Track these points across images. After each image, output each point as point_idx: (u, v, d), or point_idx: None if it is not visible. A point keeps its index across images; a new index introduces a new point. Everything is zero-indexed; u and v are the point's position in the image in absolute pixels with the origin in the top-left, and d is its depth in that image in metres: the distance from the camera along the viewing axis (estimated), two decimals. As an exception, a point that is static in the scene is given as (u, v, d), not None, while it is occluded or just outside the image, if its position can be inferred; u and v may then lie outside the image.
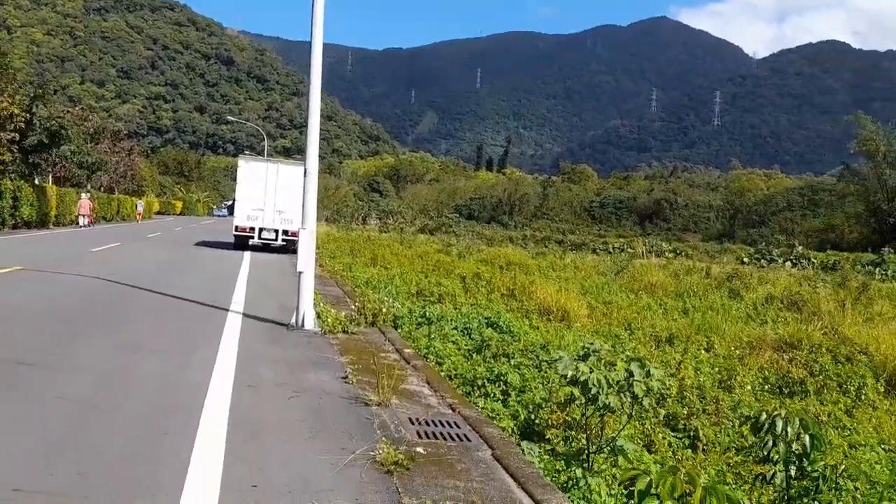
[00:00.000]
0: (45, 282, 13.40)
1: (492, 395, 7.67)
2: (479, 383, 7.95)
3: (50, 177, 44.20)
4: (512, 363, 8.95)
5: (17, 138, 30.42)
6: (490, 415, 6.87)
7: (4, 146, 28.51)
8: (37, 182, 39.09)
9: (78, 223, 41.73)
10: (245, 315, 10.92)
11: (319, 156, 10.66)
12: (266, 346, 8.81)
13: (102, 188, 60.54)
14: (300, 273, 10.08)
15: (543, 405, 7.03)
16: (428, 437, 5.61)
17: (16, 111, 28.57)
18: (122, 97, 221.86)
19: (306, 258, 10.11)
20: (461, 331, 11.06)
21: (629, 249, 48.96)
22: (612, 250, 49.81)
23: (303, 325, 10.10)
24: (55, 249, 22.98)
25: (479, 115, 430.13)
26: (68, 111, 50.64)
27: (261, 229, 27.34)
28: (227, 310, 11.31)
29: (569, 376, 5.42)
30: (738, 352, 11.95)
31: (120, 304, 11.43)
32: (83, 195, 43.39)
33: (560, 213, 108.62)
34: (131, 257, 21.63)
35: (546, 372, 8.54)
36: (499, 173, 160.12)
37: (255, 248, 28.00)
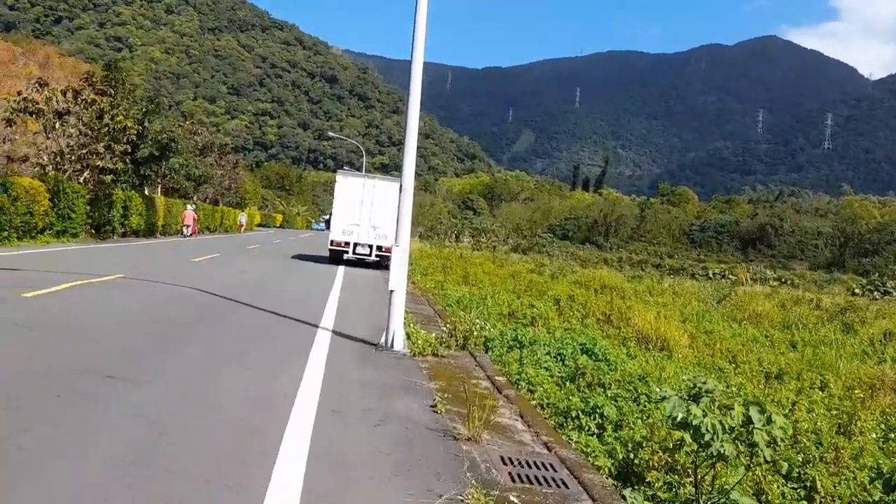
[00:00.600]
0: (143, 291, 13.67)
1: (586, 428, 7.18)
2: (573, 415, 7.48)
3: (159, 188, 46.08)
4: (608, 394, 8.44)
5: (130, 150, 31.79)
6: (584, 450, 6.41)
7: (118, 157, 29.80)
8: (146, 192, 40.79)
9: (182, 233, 43.26)
10: (334, 332, 10.76)
11: (416, 173, 10.45)
12: (354, 367, 8.57)
13: (208, 200, 62.76)
14: (391, 292, 9.82)
15: (644, 444, 6.51)
16: (522, 480, 5.15)
17: (129, 124, 29.85)
18: (231, 113, 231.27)
19: (398, 277, 9.85)
20: (554, 356, 10.59)
21: (731, 276, 47.16)
22: (712, 276, 48.08)
23: (392, 346, 9.83)
24: (158, 258, 23.74)
25: (577, 135, 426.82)
26: (179, 125, 52.86)
27: (355, 244, 27.50)
28: (318, 326, 11.20)
29: (679, 419, 4.91)
30: (858, 393, 10.98)
31: (212, 316, 11.49)
32: (188, 206, 44.97)
33: (658, 235, 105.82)
34: (229, 269, 22.08)
35: (645, 406, 7.99)
36: (595, 193, 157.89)
37: (349, 263, 28.20)
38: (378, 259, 27.61)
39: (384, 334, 9.99)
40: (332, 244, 27.81)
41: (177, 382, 6.83)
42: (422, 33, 10.15)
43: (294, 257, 31.28)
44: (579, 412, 7.49)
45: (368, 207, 27.36)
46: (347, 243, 27.52)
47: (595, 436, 6.99)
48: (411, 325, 11.20)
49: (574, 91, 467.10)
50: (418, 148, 11.08)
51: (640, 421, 7.37)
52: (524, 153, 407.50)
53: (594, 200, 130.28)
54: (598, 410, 7.47)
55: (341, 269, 25.47)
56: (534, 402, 7.93)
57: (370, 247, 27.48)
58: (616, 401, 8.14)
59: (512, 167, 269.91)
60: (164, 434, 5.28)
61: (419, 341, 9.98)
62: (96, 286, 13.43)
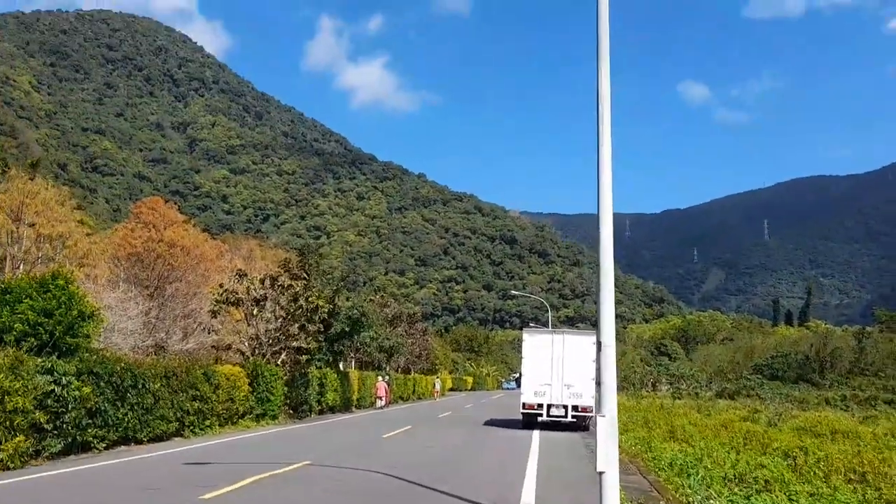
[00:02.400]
0: (326, 482, 12.78)
1: None
2: None
3: (353, 361, 47.27)
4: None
5: (323, 328, 32.85)
6: None
7: (312, 337, 30.76)
8: (341, 367, 41.80)
9: (376, 405, 43.70)
10: (535, 521, 9.31)
11: (605, 324, 9.16)
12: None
13: (399, 369, 63.76)
14: (601, 473, 8.22)
15: None
16: None
17: (321, 304, 30.94)
18: (420, 283, 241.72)
19: (608, 454, 8.16)
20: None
21: None
22: (964, 412, 41.25)
23: (607, 542, 8.13)
24: (349, 437, 23.38)
25: (770, 268, 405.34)
26: (371, 299, 54.93)
27: (549, 406, 25.97)
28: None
29: None
30: None
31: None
32: (380, 378, 45.70)
33: (884, 367, 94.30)
34: (420, 443, 21.13)
35: None
36: (801, 327, 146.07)
37: (544, 426, 26.57)
38: (574, 420, 25.87)
39: (595, 525, 8.35)
40: (524, 407, 26.47)
41: None
42: (607, 180, 9.29)
43: (486, 423, 30.06)
44: None
45: (559, 365, 25.99)
46: (540, 405, 26.06)
47: None
48: (625, 506, 9.55)
49: (762, 223, 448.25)
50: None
51: None
52: (715, 292, 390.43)
53: (801, 335, 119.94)
54: None
55: (536, 434, 23.90)
56: None
57: (565, 407, 25.83)
58: None
59: (704, 308, 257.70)
60: None
61: (640, 532, 8.26)
62: (279, 479, 12.81)
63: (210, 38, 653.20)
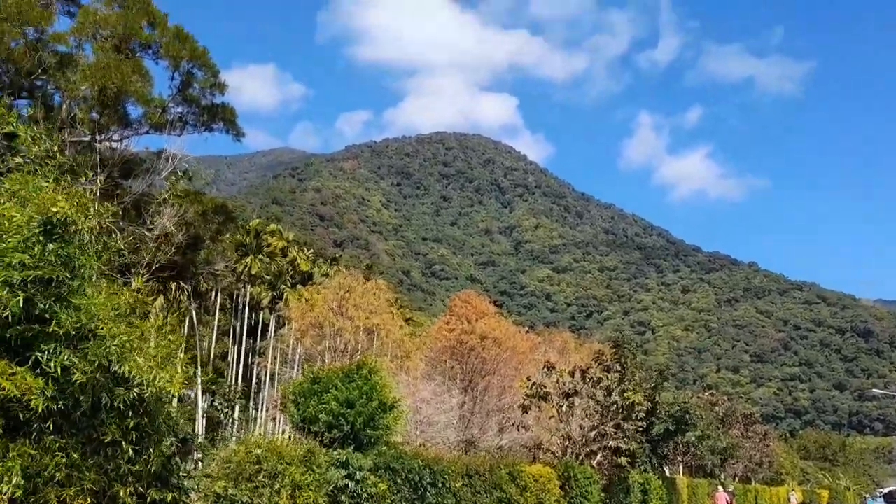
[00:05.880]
0: None
1: None
2: None
3: (679, 466, 43.01)
4: None
5: (643, 428, 29.94)
6: None
7: (629, 436, 28.00)
8: (666, 473, 37.97)
9: (710, 518, 38.97)
10: None
11: None
12: None
13: (737, 477, 57.05)
14: None
15: None
16: None
17: (638, 399, 28.26)
18: (757, 381, 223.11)
19: None
20: None
21: None
22: None
23: None
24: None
25: None
26: (698, 396, 50.26)
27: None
28: None
29: None
30: None
31: None
32: (720, 488, 40.79)
33: None
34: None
35: None
36: None
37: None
38: None
39: None
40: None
41: None
42: None
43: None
44: None
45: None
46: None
47: None
48: None
49: None
50: None
51: None
52: None
53: None
54: None
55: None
56: None
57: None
58: None
59: None
60: None
61: None
62: None
63: (533, 148, 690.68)
